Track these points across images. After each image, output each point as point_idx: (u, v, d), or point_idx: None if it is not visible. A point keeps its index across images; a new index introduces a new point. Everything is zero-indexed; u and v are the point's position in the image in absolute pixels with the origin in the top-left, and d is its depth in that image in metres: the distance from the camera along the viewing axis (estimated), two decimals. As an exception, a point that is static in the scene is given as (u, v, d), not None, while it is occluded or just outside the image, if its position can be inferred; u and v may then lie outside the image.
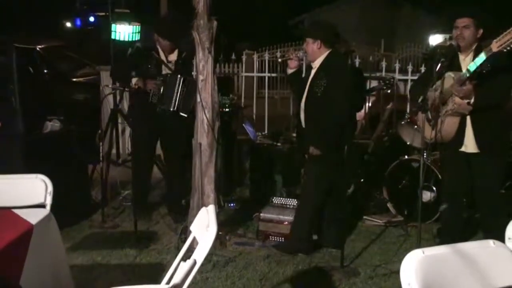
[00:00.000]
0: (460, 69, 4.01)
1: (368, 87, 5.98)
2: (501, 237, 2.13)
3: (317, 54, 4.36)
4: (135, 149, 5.17)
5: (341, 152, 4.13)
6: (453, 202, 4.37)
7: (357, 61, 6.71)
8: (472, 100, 3.86)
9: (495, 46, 3.58)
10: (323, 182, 4.39)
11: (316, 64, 4.39)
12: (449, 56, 3.96)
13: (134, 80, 5.00)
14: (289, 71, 4.63)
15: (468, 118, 4.04)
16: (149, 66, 4.98)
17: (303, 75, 4.72)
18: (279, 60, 4.58)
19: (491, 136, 4.05)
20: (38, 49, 8.72)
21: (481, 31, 3.98)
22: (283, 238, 4.65)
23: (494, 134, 4.06)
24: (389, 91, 5.62)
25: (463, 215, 4.57)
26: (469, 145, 4.08)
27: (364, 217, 5.32)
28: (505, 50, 3.55)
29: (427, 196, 5.10)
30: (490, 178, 4.13)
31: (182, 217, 4.88)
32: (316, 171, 4.39)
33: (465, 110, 3.96)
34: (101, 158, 5.45)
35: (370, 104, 6.85)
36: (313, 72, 4.41)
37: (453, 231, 4.36)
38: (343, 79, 4.22)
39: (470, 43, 4.00)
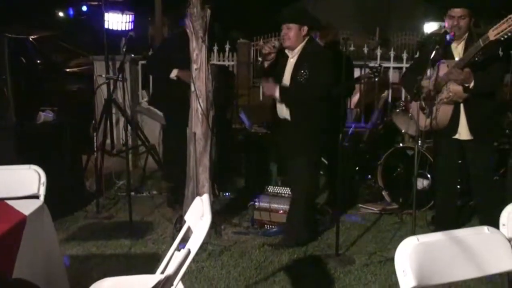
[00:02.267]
0: (452, 57, 4.03)
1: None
2: (495, 224, 2.13)
3: (299, 41, 4.25)
4: (175, 141, 5.03)
5: (334, 139, 4.12)
6: (447, 190, 4.40)
7: (352, 49, 6.69)
8: (472, 84, 3.87)
9: (492, 34, 3.61)
10: (314, 171, 4.37)
11: (295, 52, 4.27)
12: (442, 44, 3.96)
13: (175, 71, 4.94)
14: (266, 63, 4.38)
15: (461, 105, 4.06)
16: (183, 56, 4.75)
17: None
18: (260, 59, 4.38)
19: (484, 123, 4.09)
20: (31, 39, 8.64)
21: (473, 20, 4.01)
22: (275, 226, 4.67)
23: (487, 121, 4.11)
24: (376, 79, 5.54)
25: (456, 202, 4.59)
26: (463, 132, 4.12)
27: (359, 205, 5.33)
28: (502, 39, 3.58)
29: (421, 183, 5.12)
30: (484, 165, 4.17)
31: None
32: (305, 161, 4.31)
33: (460, 98, 3.97)
34: (95, 149, 5.43)
35: (361, 92, 6.83)
36: (292, 60, 4.29)
37: (447, 219, 4.38)
38: (326, 65, 4.19)
39: (464, 32, 4.03)
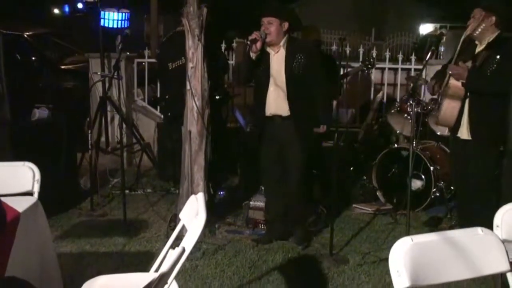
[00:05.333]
0: (473, 57, 4.04)
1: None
2: (485, 225, 2.13)
3: (281, 36, 4.22)
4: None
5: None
6: (460, 185, 4.41)
7: (347, 50, 6.70)
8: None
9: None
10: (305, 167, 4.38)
11: (280, 46, 4.23)
12: (465, 44, 4.04)
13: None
14: (253, 55, 4.20)
15: (466, 104, 4.06)
16: None
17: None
18: (247, 42, 4.24)
19: (485, 125, 4.03)
20: (25, 35, 8.60)
21: (493, 18, 3.94)
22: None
23: (489, 124, 4.02)
24: (371, 72, 5.50)
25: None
26: (463, 131, 4.12)
27: (353, 205, 5.34)
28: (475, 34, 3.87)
29: (416, 184, 5.13)
30: (479, 167, 4.14)
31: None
32: (305, 157, 4.30)
33: (458, 93, 4.01)
34: (90, 146, 5.42)
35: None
36: (276, 55, 4.24)
37: (469, 215, 4.28)
38: (318, 58, 4.26)
39: (484, 32, 3.99)
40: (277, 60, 4.25)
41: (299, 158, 4.29)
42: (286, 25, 4.22)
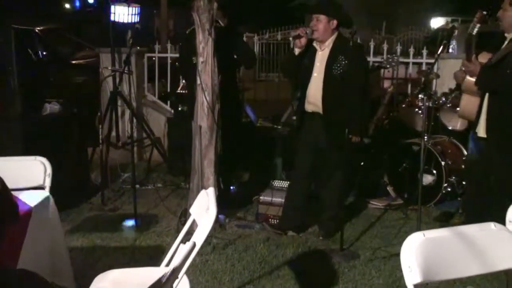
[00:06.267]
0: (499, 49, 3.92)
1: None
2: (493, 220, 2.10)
3: (329, 34, 4.17)
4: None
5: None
6: (471, 181, 4.37)
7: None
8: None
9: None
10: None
11: (326, 45, 4.19)
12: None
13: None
14: (297, 51, 4.22)
15: (485, 102, 3.95)
16: None
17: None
18: (290, 38, 4.20)
19: (501, 125, 3.90)
20: (37, 31, 8.64)
21: None
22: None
23: (505, 125, 3.88)
24: (391, 69, 5.45)
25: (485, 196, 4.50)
26: (481, 128, 4.03)
27: (364, 200, 5.32)
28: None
29: (427, 179, 5.10)
30: (496, 167, 4.07)
31: None
32: (343, 158, 4.21)
33: (471, 89, 3.96)
34: (100, 141, 5.44)
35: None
36: (321, 53, 4.21)
37: (474, 213, 4.25)
38: (364, 60, 4.19)
39: (506, 26, 3.86)
40: (321, 57, 4.22)
41: (331, 155, 4.30)
42: (334, 22, 4.16)
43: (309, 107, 4.31)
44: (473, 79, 3.90)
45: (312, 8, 4.23)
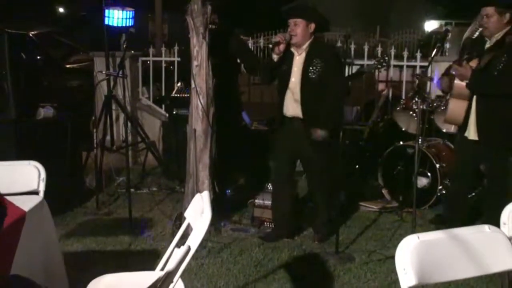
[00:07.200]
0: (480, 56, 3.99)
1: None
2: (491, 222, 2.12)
3: (307, 38, 4.18)
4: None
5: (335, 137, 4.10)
6: (458, 184, 4.39)
7: (352, 47, 6.67)
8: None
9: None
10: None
11: (303, 49, 4.20)
12: (477, 43, 4.01)
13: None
14: (275, 57, 4.24)
15: (473, 104, 4.01)
16: None
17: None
18: (270, 45, 4.22)
19: (492, 127, 3.97)
20: (31, 34, 8.63)
21: (507, 15, 3.86)
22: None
23: (496, 125, 3.96)
24: (383, 70, 5.45)
25: (468, 198, 4.56)
26: (471, 132, 4.07)
27: (359, 203, 5.32)
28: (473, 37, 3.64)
29: (422, 182, 5.11)
30: (489, 169, 4.10)
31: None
32: (326, 161, 4.26)
33: (462, 94, 3.98)
34: (95, 145, 5.42)
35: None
36: (298, 57, 4.22)
37: (459, 214, 4.31)
38: (339, 63, 4.20)
39: (492, 31, 3.92)
40: (298, 62, 4.23)
41: (315, 159, 4.29)
42: (312, 26, 4.17)
43: (288, 112, 4.31)
44: (463, 83, 3.92)
45: (289, 13, 4.20)
